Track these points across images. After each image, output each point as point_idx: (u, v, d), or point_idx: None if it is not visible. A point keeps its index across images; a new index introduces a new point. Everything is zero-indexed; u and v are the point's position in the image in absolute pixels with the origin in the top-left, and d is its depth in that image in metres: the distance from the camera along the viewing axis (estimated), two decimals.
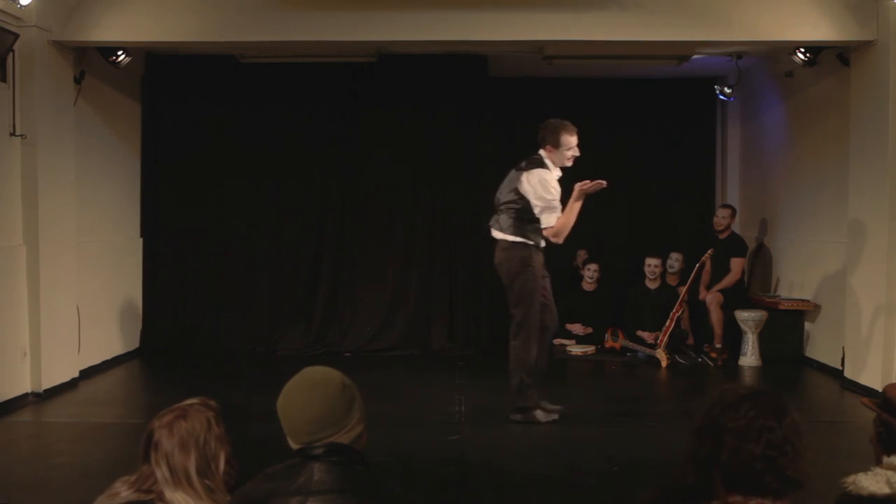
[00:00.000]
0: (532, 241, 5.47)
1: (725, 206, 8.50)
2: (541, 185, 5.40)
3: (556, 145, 5.43)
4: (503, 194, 5.57)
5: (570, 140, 5.42)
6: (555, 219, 5.41)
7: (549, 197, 5.40)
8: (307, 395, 1.96)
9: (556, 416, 5.56)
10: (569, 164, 5.49)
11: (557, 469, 4.68)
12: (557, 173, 5.50)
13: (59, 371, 6.50)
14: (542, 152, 5.52)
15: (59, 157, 6.48)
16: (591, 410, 5.99)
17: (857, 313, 6.52)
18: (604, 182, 5.29)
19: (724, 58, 7.89)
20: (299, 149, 8.35)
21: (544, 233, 5.45)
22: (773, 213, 8.57)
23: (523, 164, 5.56)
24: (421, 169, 8.44)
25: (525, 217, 5.46)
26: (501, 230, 5.52)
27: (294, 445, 1.97)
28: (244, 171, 8.32)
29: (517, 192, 5.47)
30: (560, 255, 8.18)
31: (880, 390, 2.54)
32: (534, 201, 5.41)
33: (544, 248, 5.56)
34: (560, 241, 5.50)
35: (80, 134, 6.85)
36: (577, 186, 5.36)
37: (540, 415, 5.51)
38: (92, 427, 5.61)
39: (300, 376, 2.01)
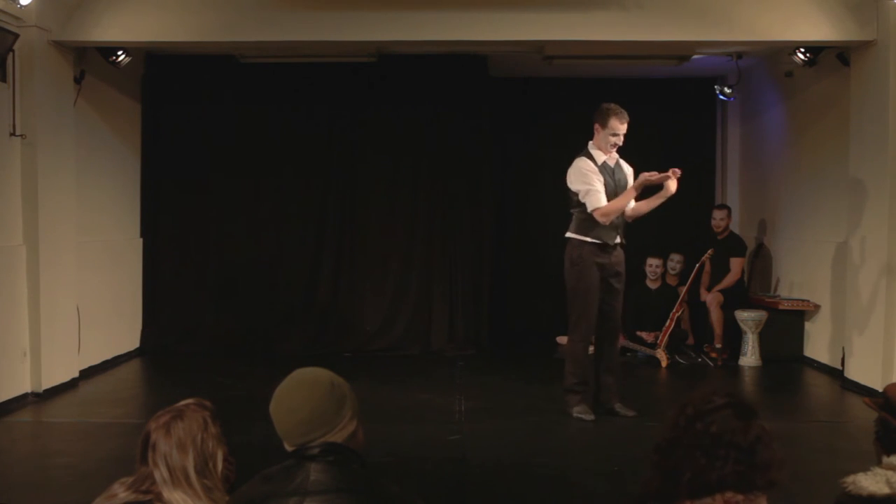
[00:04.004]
0: (585, 236, 5.59)
1: (721, 206, 8.49)
2: (574, 173, 5.59)
3: (604, 125, 5.56)
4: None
5: (616, 126, 5.52)
6: (597, 200, 5.47)
7: (583, 183, 5.52)
8: (296, 397, 1.98)
9: (591, 417, 5.62)
10: (611, 150, 5.59)
11: (557, 469, 4.68)
12: (604, 157, 5.59)
13: (59, 371, 6.50)
14: (591, 141, 5.66)
15: (59, 157, 6.48)
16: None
17: (857, 313, 6.52)
18: (676, 171, 5.37)
19: (724, 58, 7.90)
20: (299, 149, 8.35)
21: (594, 214, 5.48)
22: (773, 213, 8.57)
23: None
24: (421, 169, 8.44)
25: (578, 212, 5.62)
26: (568, 231, 5.73)
27: (289, 447, 1.98)
28: (244, 172, 8.32)
29: (567, 190, 5.65)
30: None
31: (881, 390, 2.54)
32: (574, 189, 5.58)
33: (614, 244, 5.60)
34: (606, 221, 5.51)
35: (80, 134, 6.85)
36: (642, 175, 5.44)
37: (575, 411, 5.67)
38: (92, 427, 5.61)
39: (290, 379, 2.02)
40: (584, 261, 5.59)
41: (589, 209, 5.49)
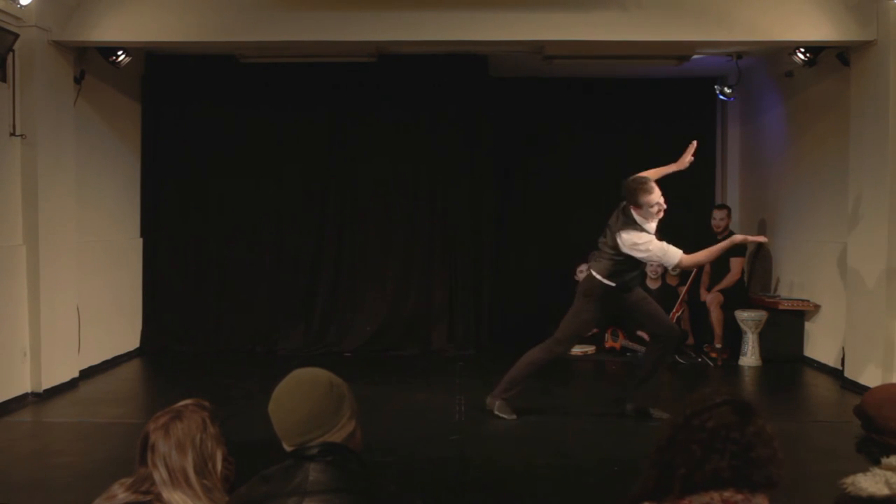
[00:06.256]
0: (610, 280, 5.50)
1: (721, 206, 8.50)
2: (632, 248, 5.40)
3: (639, 206, 5.39)
4: (607, 236, 5.57)
5: (650, 198, 5.35)
6: (675, 253, 5.42)
7: (646, 253, 5.40)
8: (295, 397, 1.98)
9: (513, 416, 5.65)
10: (658, 217, 5.45)
11: (557, 469, 4.69)
12: (653, 226, 5.47)
13: (59, 371, 6.50)
14: (632, 209, 5.47)
15: (59, 157, 6.48)
16: (591, 410, 5.99)
17: (857, 313, 6.52)
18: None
19: (724, 58, 7.90)
20: (299, 148, 8.35)
21: (682, 266, 5.68)
22: (773, 213, 8.57)
23: (621, 216, 5.51)
24: (421, 169, 8.44)
25: (616, 263, 5.49)
26: (592, 265, 5.66)
27: (288, 447, 1.98)
28: (244, 171, 8.32)
29: (615, 246, 5.48)
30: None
31: None
32: (643, 258, 5.48)
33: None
34: (693, 266, 5.83)
35: (80, 134, 6.85)
36: (738, 238, 5.69)
37: (496, 407, 5.72)
38: (92, 427, 5.61)
39: (288, 379, 2.02)
40: (597, 297, 5.56)
41: (672, 267, 5.55)
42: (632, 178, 5.46)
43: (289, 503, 1.82)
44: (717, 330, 7.78)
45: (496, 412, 5.67)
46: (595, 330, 8.32)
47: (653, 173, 5.69)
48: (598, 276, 5.54)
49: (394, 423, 5.51)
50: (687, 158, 5.75)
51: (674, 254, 5.40)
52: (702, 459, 1.75)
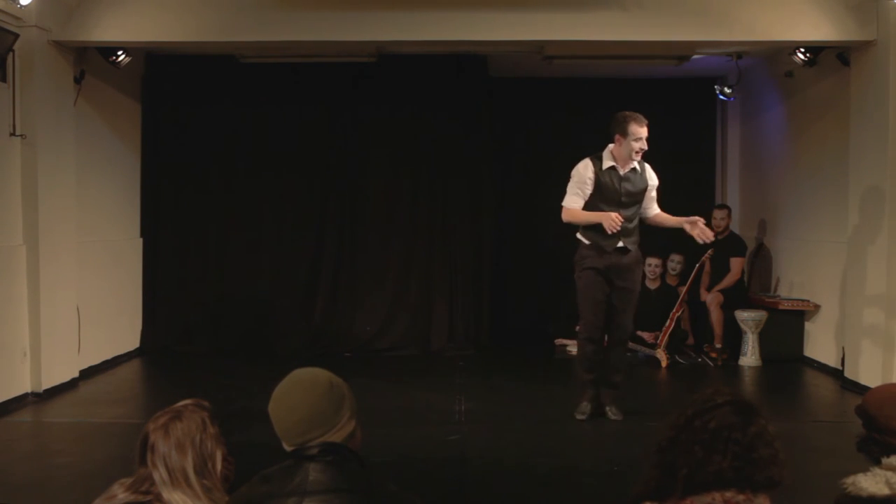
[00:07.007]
0: (584, 237, 5.54)
1: (721, 206, 8.50)
2: (573, 171, 5.56)
3: (624, 134, 5.40)
4: None
5: (639, 131, 5.39)
6: (566, 199, 5.53)
7: (570, 181, 5.53)
8: (295, 397, 1.98)
9: (581, 417, 5.64)
10: (637, 156, 5.45)
11: (557, 469, 4.68)
12: (612, 163, 5.46)
13: (59, 371, 6.50)
14: (609, 145, 5.53)
15: (59, 157, 6.48)
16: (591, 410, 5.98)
17: (857, 313, 6.52)
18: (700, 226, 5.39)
19: (724, 58, 7.90)
20: (299, 149, 8.35)
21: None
22: (773, 213, 8.57)
23: None
24: (420, 169, 8.44)
25: None
26: None
27: (288, 447, 1.98)
28: (244, 171, 8.32)
29: None
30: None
31: None
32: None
33: (612, 250, 5.47)
34: (564, 220, 5.56)
35: (80, 134, 6.85)
36: (616, 216, 5.29)
37: (576, 410, 5.69)
38: (92, 427, 5.61)
39: (288, 379, 2.03)
40: (582, 261, 5.57)
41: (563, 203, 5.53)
42: (628, 111, 5.50)
43: (289, 503, 1.82)
44: (717, 330, 7.78)
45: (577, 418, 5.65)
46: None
47: (664, 218, 5.71)
48: (578, 235, 5.60)
49: (394, 423, 5.51)
50: (697, 231, 5.45)
51: (567, 199, 5.52)
52: (704, 460, 1.76)
